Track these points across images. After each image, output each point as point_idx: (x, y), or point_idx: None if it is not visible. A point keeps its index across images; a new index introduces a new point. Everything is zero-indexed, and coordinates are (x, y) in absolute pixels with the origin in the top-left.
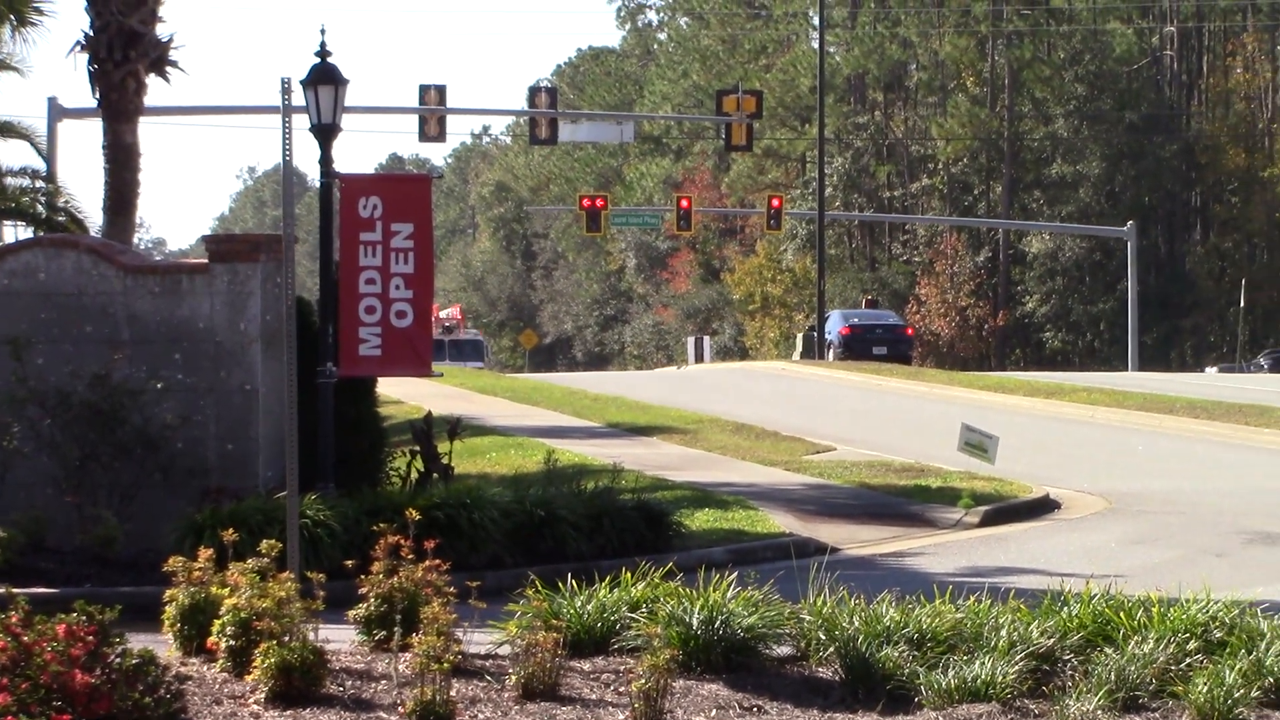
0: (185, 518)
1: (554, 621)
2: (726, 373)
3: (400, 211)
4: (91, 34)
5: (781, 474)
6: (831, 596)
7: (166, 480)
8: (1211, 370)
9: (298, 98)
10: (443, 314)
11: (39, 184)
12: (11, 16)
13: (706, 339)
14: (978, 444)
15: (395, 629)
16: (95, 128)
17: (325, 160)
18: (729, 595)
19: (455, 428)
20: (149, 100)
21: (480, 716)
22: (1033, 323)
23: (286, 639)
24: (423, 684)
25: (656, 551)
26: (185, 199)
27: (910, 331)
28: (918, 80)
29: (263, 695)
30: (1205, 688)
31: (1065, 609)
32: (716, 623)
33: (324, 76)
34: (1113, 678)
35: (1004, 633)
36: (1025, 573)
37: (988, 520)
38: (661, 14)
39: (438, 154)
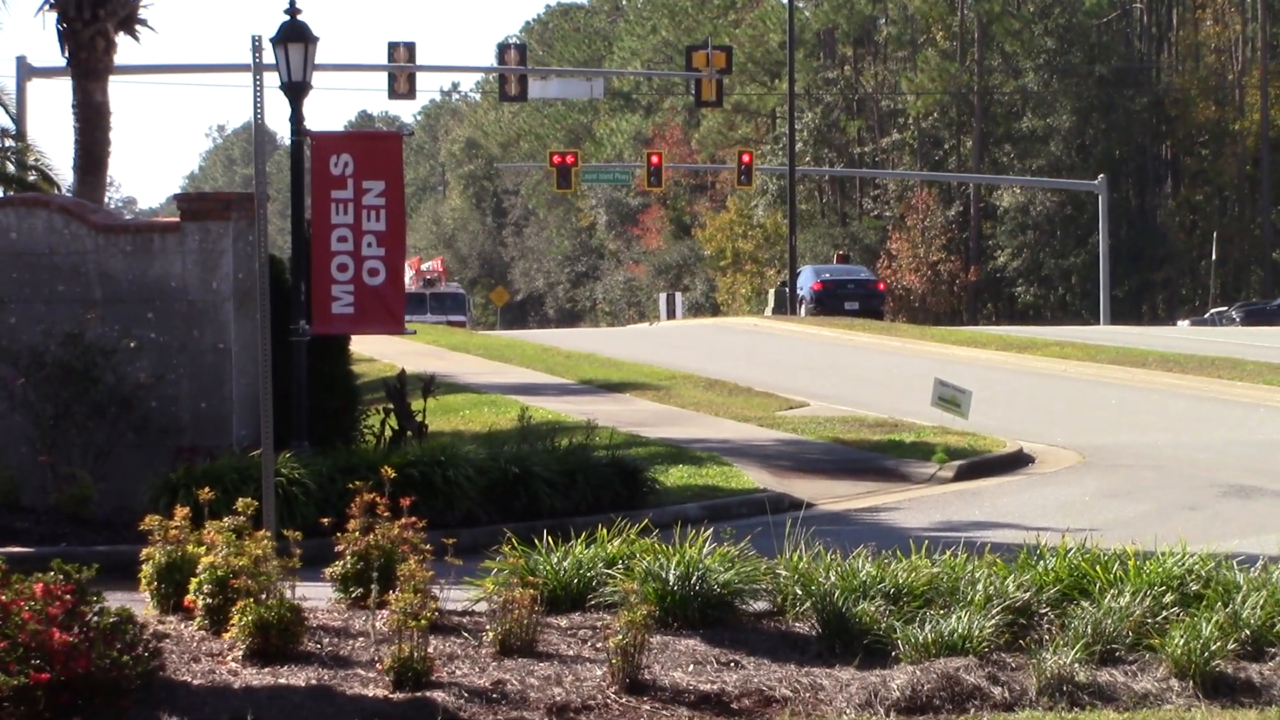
0: (160, 476)
1: (530, 578)
2: (699, 329)
3: (371, 169)
4: None
5: (755, 430)
6: (807, 552)
7: (140, 439)
8: (1184, 323)
9: (268, 56)
10: (424, 266)
11: (9, 143)
12: None
13: (678, 295)
14: (951, 399)
15: (372, 586)
16: (65, 87)
17: (296, 118)
18: (705, 551)
19: (429, 385)
20: (119, 59)
21: (458, 673)
22: (1004, 277)
23: (263, 597)
24: (400, 641)
25: (631, 508)
26: (155, 158)
27: (882, 286)
28: (887, 35)
29: (240, 653)
30: (1182, 640)
31: (1041, 563)
32: (693, 578)
33: (294, 34)
34: (1089, 631)
35: (980, 587)
36: (1000, 527)
37: (962, 475)
38: None
39: (407, 111)
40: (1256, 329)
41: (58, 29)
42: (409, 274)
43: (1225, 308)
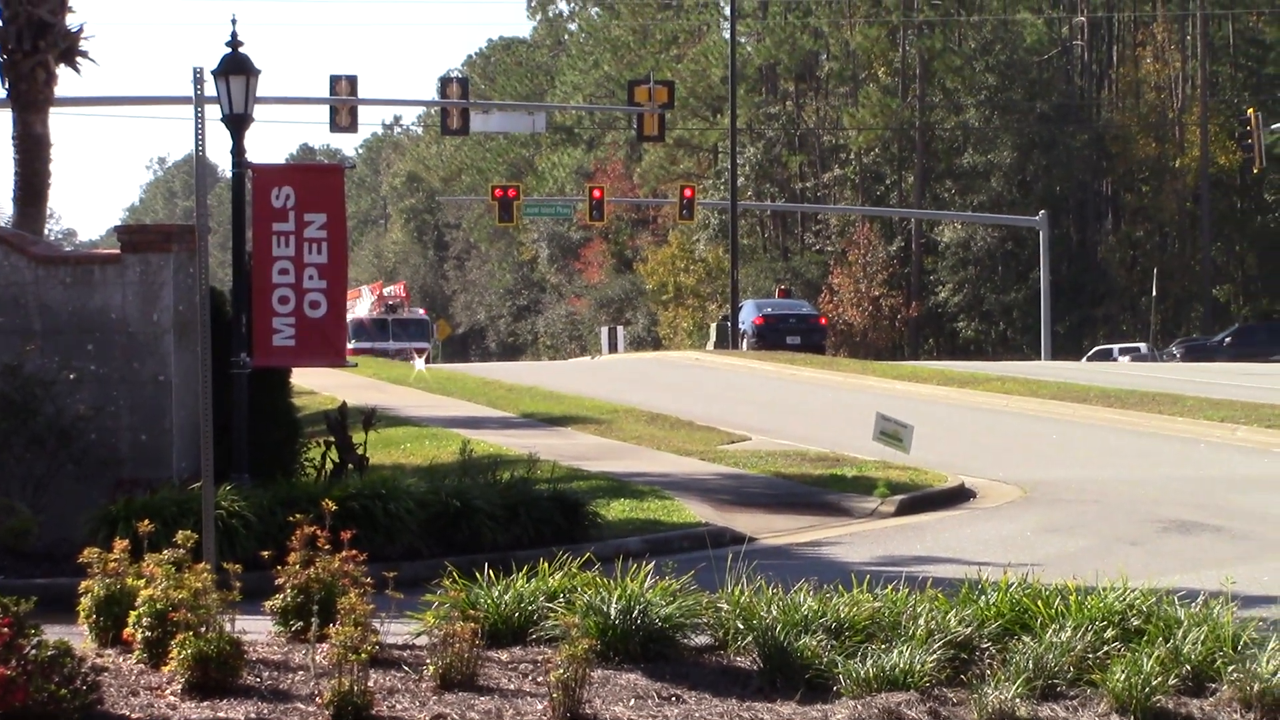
0: (99, 509)
1: (471, 612)
2: (640, 362)
3: (313, 202)
4: (0, 25)
5: (697, 464)
6: (749, 586)
7: (79, 471)
8: (1124, 359)
9: (210, 88)
10: (386, 291)
11: None
12: None
13: (620, 329)
14: (893, 433)
15: (312, 620)
16: (5, 118)
17: (237, 150)
18: (646, 585)
19: (370, 418)
20: (59, 90)
21: (398, 707)
22: (946, 312)
23: (203, 630)
24: (340, 675)
25: (573, 541)
26: (96, 190)
27: (824, 321)
28: (829, 70)
29: (179, 686)
30: (1123, 675)
31: (983, 597)
32: (634, 612)
33: (236, 66)
34: (1031, 666)
35: (922, 621)
36: (942, 561)
37: (903, 509)
38: (572, 4)
39: (349, 144)
40: (1196, 365)
41: None
42: (370, 299)
43: (1139, 345)
